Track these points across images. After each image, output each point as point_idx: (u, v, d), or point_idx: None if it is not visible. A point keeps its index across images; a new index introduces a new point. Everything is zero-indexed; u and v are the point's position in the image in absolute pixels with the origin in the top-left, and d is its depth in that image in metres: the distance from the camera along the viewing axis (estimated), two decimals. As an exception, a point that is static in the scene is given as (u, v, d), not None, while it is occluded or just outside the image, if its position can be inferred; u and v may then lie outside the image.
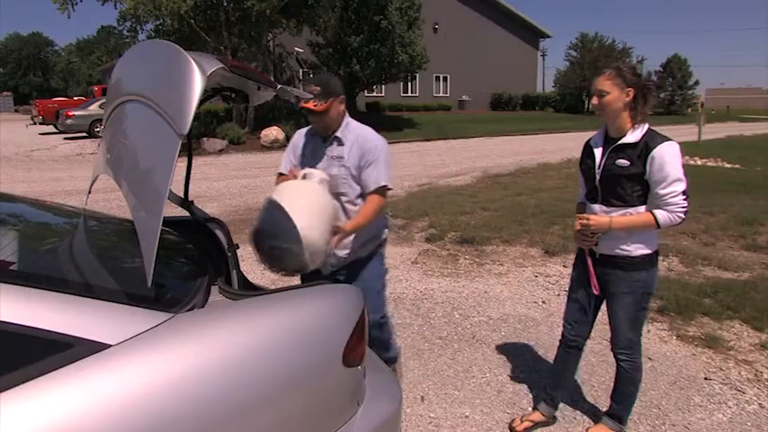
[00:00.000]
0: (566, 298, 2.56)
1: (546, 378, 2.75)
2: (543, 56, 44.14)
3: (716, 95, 61.46)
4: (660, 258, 4.98)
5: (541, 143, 18.56)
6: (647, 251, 2.21)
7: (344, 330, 1.49)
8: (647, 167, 2.09)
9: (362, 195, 2.43)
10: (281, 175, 2.51)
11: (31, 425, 1.01)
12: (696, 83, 42.89)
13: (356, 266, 2.55)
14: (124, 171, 1.70)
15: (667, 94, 42.14)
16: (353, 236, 2.41)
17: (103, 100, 20.85)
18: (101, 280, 1.50)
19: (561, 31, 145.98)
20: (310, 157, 2.48)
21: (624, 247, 2.20)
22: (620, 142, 2.16)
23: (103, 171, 1.94)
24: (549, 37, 39.47)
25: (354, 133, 2.43)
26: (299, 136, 2.59)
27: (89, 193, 2.18)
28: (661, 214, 2.10)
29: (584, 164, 2.30)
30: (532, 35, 37.62)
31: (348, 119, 2.47)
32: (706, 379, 3.02)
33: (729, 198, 7.83)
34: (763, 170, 11.14)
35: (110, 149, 1.89)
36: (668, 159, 2.07)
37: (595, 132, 2.33)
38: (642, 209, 2.15)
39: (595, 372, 3.08)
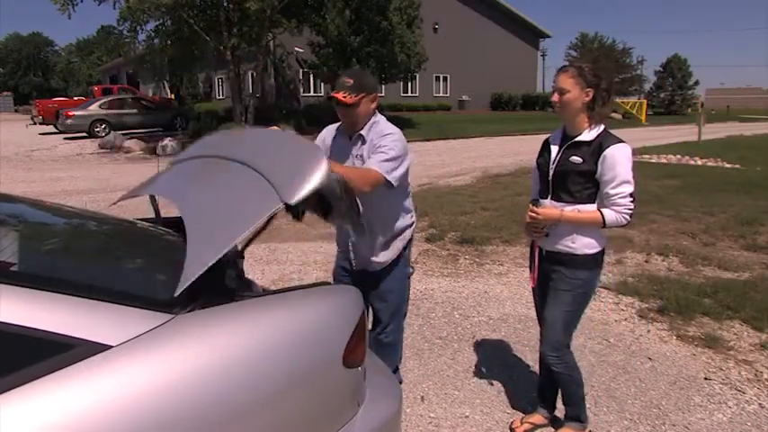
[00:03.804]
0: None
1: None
2: (543, 56, 44.15)
3: (716, 95, 61.46)
4: (661, 258, 5.04)
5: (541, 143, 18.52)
6: (592, 251, 2.23)
7: (345, 331, 1.49)
8: (599, 166, 2.13)
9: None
10: None
11: (32, 426, 1.01)
12: (696, 83, 42.93)
13: (378, 275, 2.47)
14: (197, 202, 1.73)
15: (667, 94, 42.18)
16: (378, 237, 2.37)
17: (104, 100, 20.91)
18: (101, 281, 1.50)
19: (561, 31, 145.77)
20: (338, 155, 2.41)
21: (569, 244, 2.22)
22: (575, 140, 2.20)
23: (161, 193, 1.93)
24: (549, 37, 39.45)
25: (378, 129, 2.33)
26: (329, 131, 2.53)
27: (116, 202, 2.18)
28: (608, 213, 2.14)
29: (542, 158, 2.34)
30: (532, 35, 37.60)
31: (378, 118, 2.38)
32: (706, 379, 3.02)
33: (729, 198, 7.83)
34: (763, 170, 11.14)
35: (181, 180, 1.95)
36: (619, 160, 2.11)
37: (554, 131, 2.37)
38: (591, 207, 2.19)
39: (595, 372, 3.08)
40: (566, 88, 2.14)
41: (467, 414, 2.71)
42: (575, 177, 2.18)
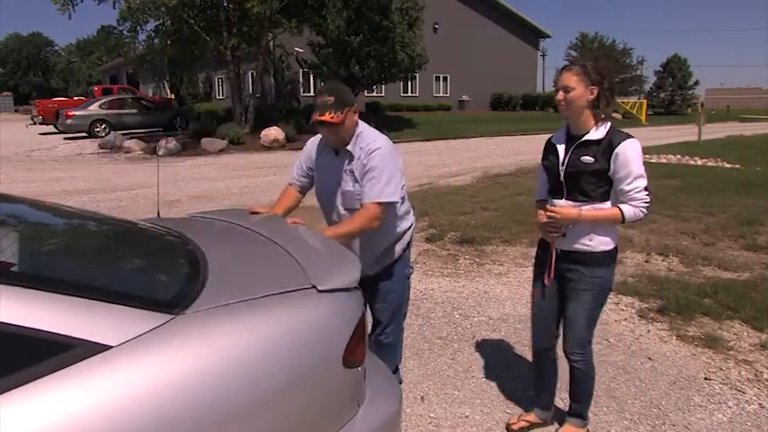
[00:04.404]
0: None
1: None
2: (543, 56, 44.12)
3: (716, 95, 61.48)
4: (661, 258, 5.04)
5: (541, 143, 18.15)
6: (608, 248, 2.23)
7: (345, 331, 1.49)
8: (612, 164, 2.12)
9: None
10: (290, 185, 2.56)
11: (32, 426, 1.01)
12: (696, 83, 42.90)
13: (377, 277, 2.49)
14: (222, 254, 1.76)
15: (667, 94, 42.16)
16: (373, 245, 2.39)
17: (104, 100, 20.90)
18: (101, 281, 1.50)
19: (561, 31, 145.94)
20: (328, 172, 2.39)
21: (587, 242, 2.22)
22: (584, 139, 2.18)
23: (178, 229, 1.97)
24: (549, 37, 39.43)
25: (363, 144, 2.30)
26: (313, 145, 2.50)
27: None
28: (627, 209, 2.14)
29: (548, 160, 2.32)
30: (532, 35, 37.58)
31: (361, 128, 2.35)
32: (706, 379, 3.02)
33: (729, 198, 7.83)
34: (763, 170, 11.14)
35: (206, 232, 2.02)
36: (631, 156, 2.10)
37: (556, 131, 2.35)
38: (606, 204, 2.19)
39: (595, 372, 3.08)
40: (570, 86, 2.13)
41: (467, 414, 2.71)
42: (588, 177, 2.17)
